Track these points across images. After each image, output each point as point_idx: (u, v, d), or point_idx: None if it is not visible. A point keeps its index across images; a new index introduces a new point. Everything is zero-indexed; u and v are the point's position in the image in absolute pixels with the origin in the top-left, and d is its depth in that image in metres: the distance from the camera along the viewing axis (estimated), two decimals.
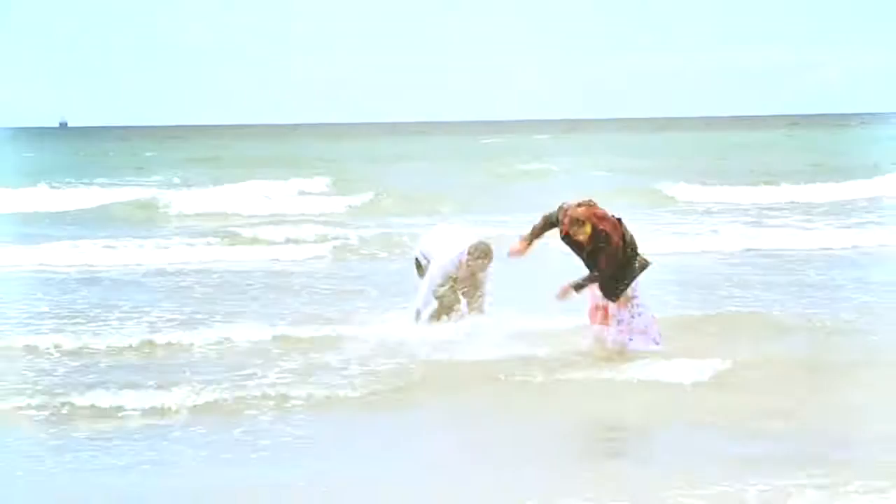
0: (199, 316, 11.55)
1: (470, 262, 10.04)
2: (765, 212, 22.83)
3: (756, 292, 12.67)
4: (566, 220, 9.32)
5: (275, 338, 10.23)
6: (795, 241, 17.44)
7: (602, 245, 9.28)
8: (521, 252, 9.59)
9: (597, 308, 9.63)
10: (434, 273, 10.11)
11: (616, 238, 9.31)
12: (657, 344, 9.53)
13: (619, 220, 9.47)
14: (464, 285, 10.14)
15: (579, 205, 9.37)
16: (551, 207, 9.55)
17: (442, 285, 10.10)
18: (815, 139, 60.06)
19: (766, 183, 28.07)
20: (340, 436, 7.54)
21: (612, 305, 9.49)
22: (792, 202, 24.76)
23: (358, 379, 8.74)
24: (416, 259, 10.49)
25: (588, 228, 9.26)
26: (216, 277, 14.56)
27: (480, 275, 10.13)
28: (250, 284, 13.86)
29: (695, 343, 9.71)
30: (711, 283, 13.37)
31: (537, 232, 9.60)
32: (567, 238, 9.44)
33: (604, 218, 9.33)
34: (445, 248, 10.19)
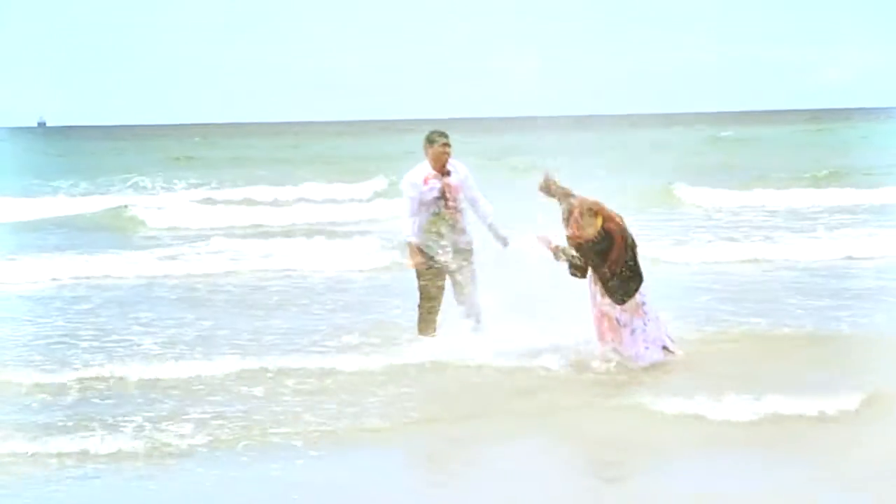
0: (221, 332, 11.37)
1: (430, 152, 10.14)
2: (797, 216, 22.37)
3: (819, 305, 12.29)
4: (577, 211, 9.26)
5: (296, 360, 9.93)
6: (840, 247, 16.94)
7: (605, 247, 9.23)
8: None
9: (602, 315, 9.49)
10: (409, 204, 10.19)
11: (619, 242, 9.25)
12: (671, 349, 9.44)
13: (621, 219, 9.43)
14: (440, 199, 10.14)
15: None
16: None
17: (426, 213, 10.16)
18: (835, 135, 59.87)
19: (792, 184, 27.89)
20: (360, 468, 7.35)
21: (624, 315, 9.37)
22: (820, 204, 24.28)
23: (384, 405, 8.53)
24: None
25: (599, 221, 9.22)
26: (232, 290, 14.31)
27: (455, 178, 10.16)
28: (273, 298, 13.59)
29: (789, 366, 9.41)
30: (767, 294, 13.10)
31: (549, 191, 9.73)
32: (572, 234, 9.39)
33: (612, 218, 9.28)
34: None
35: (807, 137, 59.58)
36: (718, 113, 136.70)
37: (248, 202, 26.98)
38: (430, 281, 10.30)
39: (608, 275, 9.30)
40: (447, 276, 10.29)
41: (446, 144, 10.19)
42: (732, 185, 27.39)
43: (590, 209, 9.23)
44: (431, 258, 10.25)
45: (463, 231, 10.30)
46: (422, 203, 10.17)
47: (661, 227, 19.59)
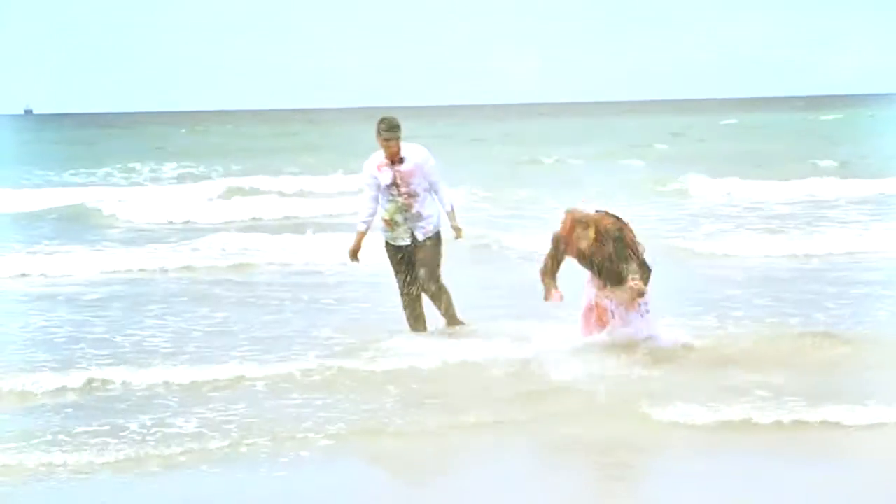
0: (235, 327, 11.22)
1: (382, 141, 10.10)
2: (814, 205, 21.91)
3: (839, 301, 11.94)
4: (569, 224, 9.29)
5: (299, 360, 9.66)
6: (861, 239, 16.65)
7: (617, 236, 9.20)
8: (560, 296, 9.51)
9: (591, 309, 9.52)
10: (366, 190, 10.30)
11: (628, 230, 9.27)
12: (666, 336, 9.49)
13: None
14: (395, 187, 10.16)
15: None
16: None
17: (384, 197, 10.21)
18: (843, 123, 59.88)
19: (806, 173, 27.48)
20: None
21: (620, 309, 9.39)
22: (837, 193, 23.65)
23: (386, 408, 8.38)
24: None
25: (592, 232, 9.24)
26: (237, 284, 14.10)
27: (408, 165, 10.12)
28: (277, 293, 13.37)
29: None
30: (784, 286, 12.90)
31: (554, 264, 9.53)
32: (579, 257, 9.37)
33: (603, 218, 9.30)
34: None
35: (809, 125, 59.66)
36: (721, 100, 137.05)
37: (253, 191, 26.83)
38: (399, 272, 10.41)
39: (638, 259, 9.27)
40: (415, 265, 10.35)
41: (388, 139, 10.17)
42: (743, 174, 27.07)
43: (581, 221, 9.30)
44: (392, 247, 10.36)
45: (420, 216, 10.30)
46: (379, 189, 10.27)
47: (672, 217, 19.37)
